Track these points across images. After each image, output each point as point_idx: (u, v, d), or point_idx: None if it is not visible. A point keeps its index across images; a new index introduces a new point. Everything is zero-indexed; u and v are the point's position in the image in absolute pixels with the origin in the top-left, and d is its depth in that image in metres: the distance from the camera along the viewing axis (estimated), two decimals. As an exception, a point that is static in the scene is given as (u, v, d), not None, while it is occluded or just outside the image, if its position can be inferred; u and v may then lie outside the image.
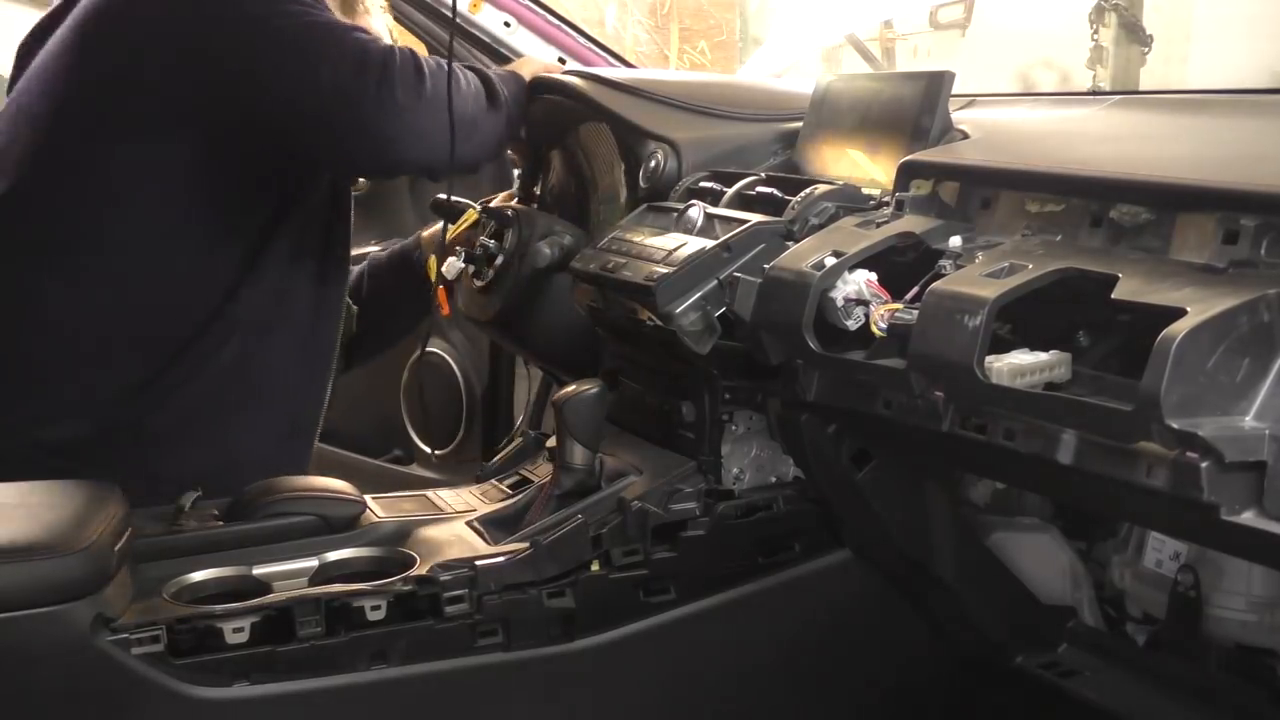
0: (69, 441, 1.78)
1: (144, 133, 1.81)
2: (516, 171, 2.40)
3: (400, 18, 2.70)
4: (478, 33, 2.51)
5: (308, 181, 1.93)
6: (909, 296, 1.31)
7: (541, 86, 2.10)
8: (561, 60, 2.53)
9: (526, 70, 2.12)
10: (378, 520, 1.64)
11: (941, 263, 1.34)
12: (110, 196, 1.81)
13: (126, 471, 1.61)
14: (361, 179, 3.00)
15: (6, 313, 1.83)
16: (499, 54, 2.55)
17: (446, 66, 1.85)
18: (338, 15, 2.00)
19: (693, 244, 1.54)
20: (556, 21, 2.55)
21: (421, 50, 2.01)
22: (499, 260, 1.98)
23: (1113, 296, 1.12)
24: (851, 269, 1.35)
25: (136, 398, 1.82)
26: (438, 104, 1.81)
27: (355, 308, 2.18)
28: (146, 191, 1.81)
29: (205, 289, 1.85)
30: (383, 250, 2.36)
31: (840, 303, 1.34)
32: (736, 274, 1.48)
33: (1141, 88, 5.13)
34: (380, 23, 2.13)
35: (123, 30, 1.84)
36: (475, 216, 2.06)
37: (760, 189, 1.67)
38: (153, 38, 1.81)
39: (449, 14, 2.19)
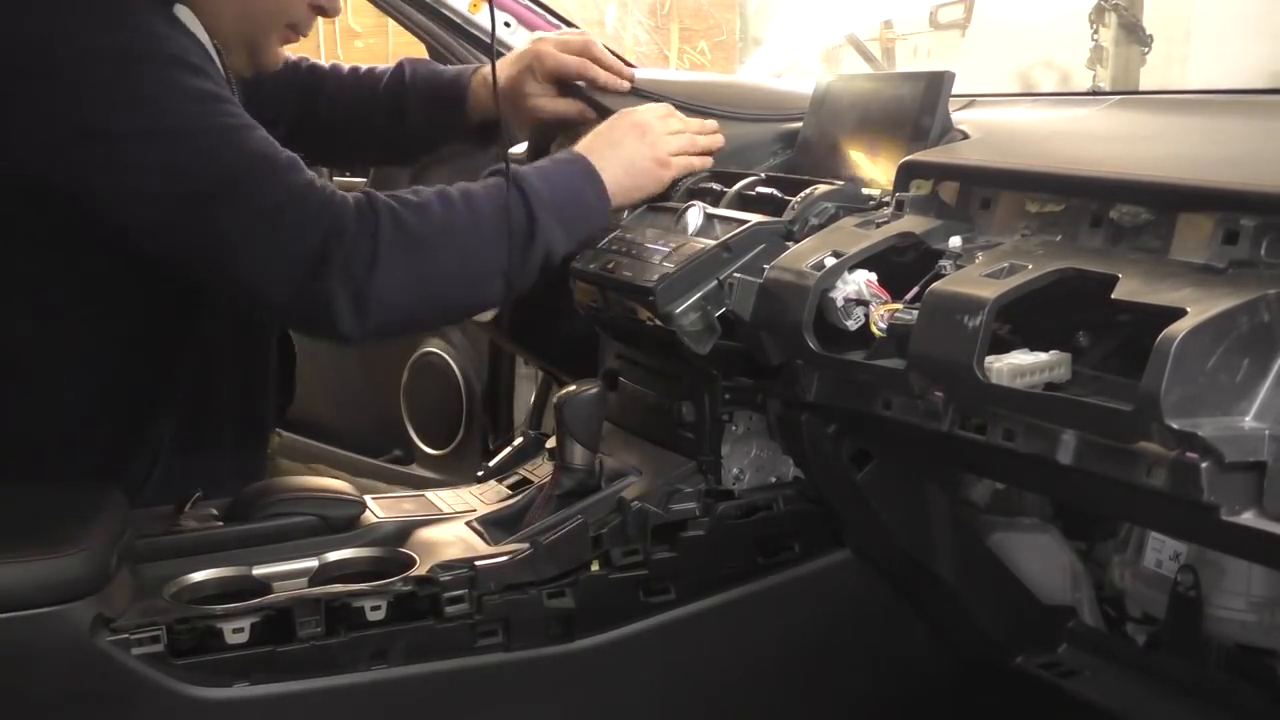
0: None
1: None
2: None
3: (401, 19, 2.70)
4: (478, 33, 2.51)
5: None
6: (909, 296, 1.32)
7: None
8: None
9: (615, 180, 1.70)
10: (378, 520, 1.64)
11: (941, 263, 1.34)
12: None
13: None
14: (361, 178, 3.01)
15: None
16: (499, 54, 2.54)
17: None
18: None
19: (693, 244, 1.54)
20: (556, 22, 2.55)
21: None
22: (499, 260, 1.97)
23: (1113, 297, 1.13)
24: (851, 269, 1.35)
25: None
26: (404, 286, 1.53)
27: None
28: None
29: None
30: (431, 69, 2.12)
31: (840, 303, 1.34)
32: (736, 274, 1.48)
33: (1141, 88, 5.13)
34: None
35: None
36: None
37: (760, 189, 1.67)
38: None
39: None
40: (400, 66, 2.11)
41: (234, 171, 1.50)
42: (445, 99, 2.05)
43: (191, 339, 1.74)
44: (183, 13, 1.63)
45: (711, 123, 1.84)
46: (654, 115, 1.78)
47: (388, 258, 1.51)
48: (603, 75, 1.94)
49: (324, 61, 2.19)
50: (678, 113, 1.83)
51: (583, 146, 1.73)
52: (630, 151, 1.73)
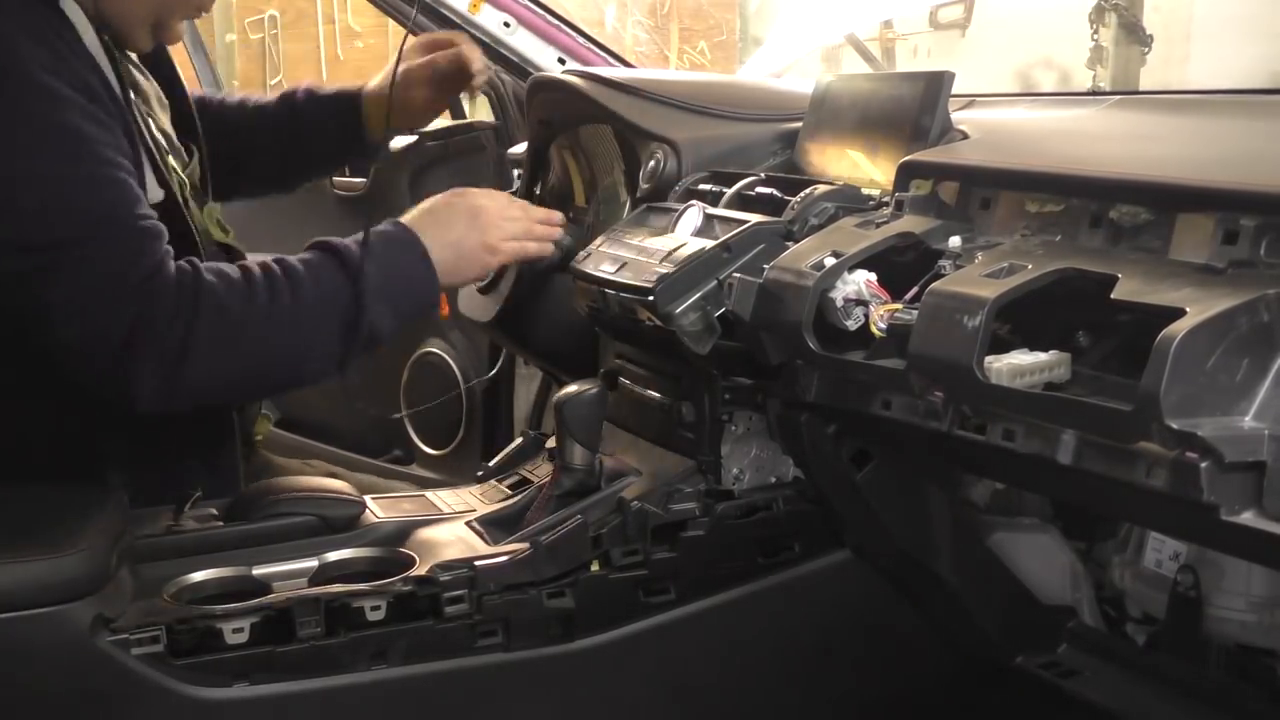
0: None
1: None
2: (517, 171, 2.40)
3: (401, 19, 2.70)
4: (477, 33, 2.51)
5: None
6: (909, 296, 1.32)
7: (542, 86, 2.10)
8: (562, 61, 2.53)
9: (443, 261, 1.68)
10: (377, 520, 1.64)
11: (941, 263, 1.34)
12: None
13: None
14: (361, 178, 3.02)
15: None
16: (499, 54, 2.55)
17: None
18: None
19: (692, 244, 1.55)
20: (556, 21, 2.55)
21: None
22: (499, 260, 1.97)
23: (1112, 296, 1.13)
24: (851, 269, 1.35)
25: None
26: (216, 372, 1.52)
27: None
28: None
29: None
30: (324, 89, 2.16)
31: (840, 303, 1.34)
32: (736, 274, 1.48)
33: (1141, 88, 5.13)
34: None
35: None
36: None
37: (760, 189, 1.67)
38: None
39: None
40: (289, 92, 2.15)
41: (60, 234, 1.47)
42: (336, 118, 2.10)
43: None
44: (68, 6, 1.62)
45: (555, 215, 1.84)
46: (493, 201, 1.77)
47: (198, 348, 1.50)
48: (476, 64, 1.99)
49: (218, 91, 2.22)
50: (520, 202, 1.84)
51: (413, 222, 1.70)
52: (460, 234, 1.71)
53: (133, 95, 1.73)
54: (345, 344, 1.59)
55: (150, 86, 1.86)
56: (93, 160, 1.52)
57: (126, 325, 1.47)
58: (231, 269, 1.58)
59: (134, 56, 1.83)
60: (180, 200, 1.74)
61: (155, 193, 1.66)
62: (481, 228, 1.72)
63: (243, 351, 1.55)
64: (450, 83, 2.04)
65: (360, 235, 1.64)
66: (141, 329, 1.48)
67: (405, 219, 1.71)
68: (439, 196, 1.77)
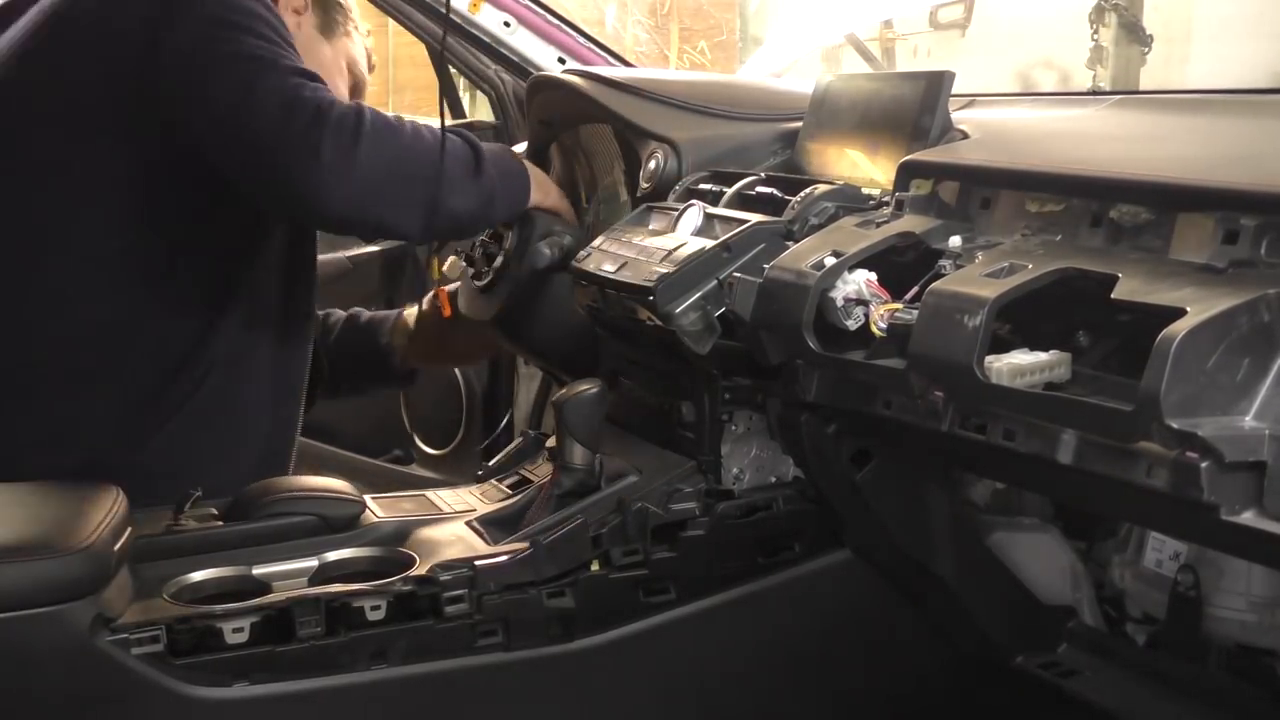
0: (52, 470, 1.66)
1: (87, 140, 1.74)
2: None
3: (401, 19, 2.70)
4: (478, 33, 2.51)
5: (260, 216, 1.86)
6: (909, 296, 1.31)
7: (541, 85, 2.10)
8: (562, 60, 2.53)
9: (537, 180, 1.95)
10: (377, 520, 1.64)
11: (941, 263, 1.34)
12: (53, 213, 1.75)
13: None
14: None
15: None
16: (499, 54, 2.55)
17: (410, 127, 1.75)
18: (315, 34, 1.97)
19: (692, 244, 1.54)
20: (556, 21, 2.55)
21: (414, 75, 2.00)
22: (499, 260, 1.98)
23: (1112, 296, 1.12)
24: (851, 269, 1.35)
25: (116, 436, 1.75)
26: (376, 164, 1.68)
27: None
28: (88, 215, 1.75)
29: (175, 330, 1.79)
30: (361, 314, 2.29)
31: (840, 303, 1.34)
32: (736, 274, 1.48)
33: (1141, 88, 5.13)
34: (360, 48, 2.07)
35: (84, 33, 1.78)
36: None
37: (760, 189, 1.67)
38: (110, 39, 1.75)
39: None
40: (327, 315, 2.25)
41: (262, 51, 1.71)
42: (363, 351, 2.23)
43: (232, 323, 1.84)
44: None
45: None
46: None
47: (367, 138, 1.68)
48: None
49: None
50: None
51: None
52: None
53: None
54: (468, 186, 1.80)
55: None
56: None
57: (309, 111, 1.66)
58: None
59: None
60: None
61: None
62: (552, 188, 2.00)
63: (397, 152, 1.72)
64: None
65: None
66: (323, 115, 1.66)
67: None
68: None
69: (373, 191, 1.70)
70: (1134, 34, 5.20)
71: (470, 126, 2.78)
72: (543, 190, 1.95)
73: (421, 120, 1.82)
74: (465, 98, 3.47)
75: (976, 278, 1.22)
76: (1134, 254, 1.22)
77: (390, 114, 1.78)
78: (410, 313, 2.21)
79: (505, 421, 2.71)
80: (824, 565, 1.65)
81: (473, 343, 2.21)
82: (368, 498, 1.69)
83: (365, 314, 2.27)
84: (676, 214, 1.66)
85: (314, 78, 1.74)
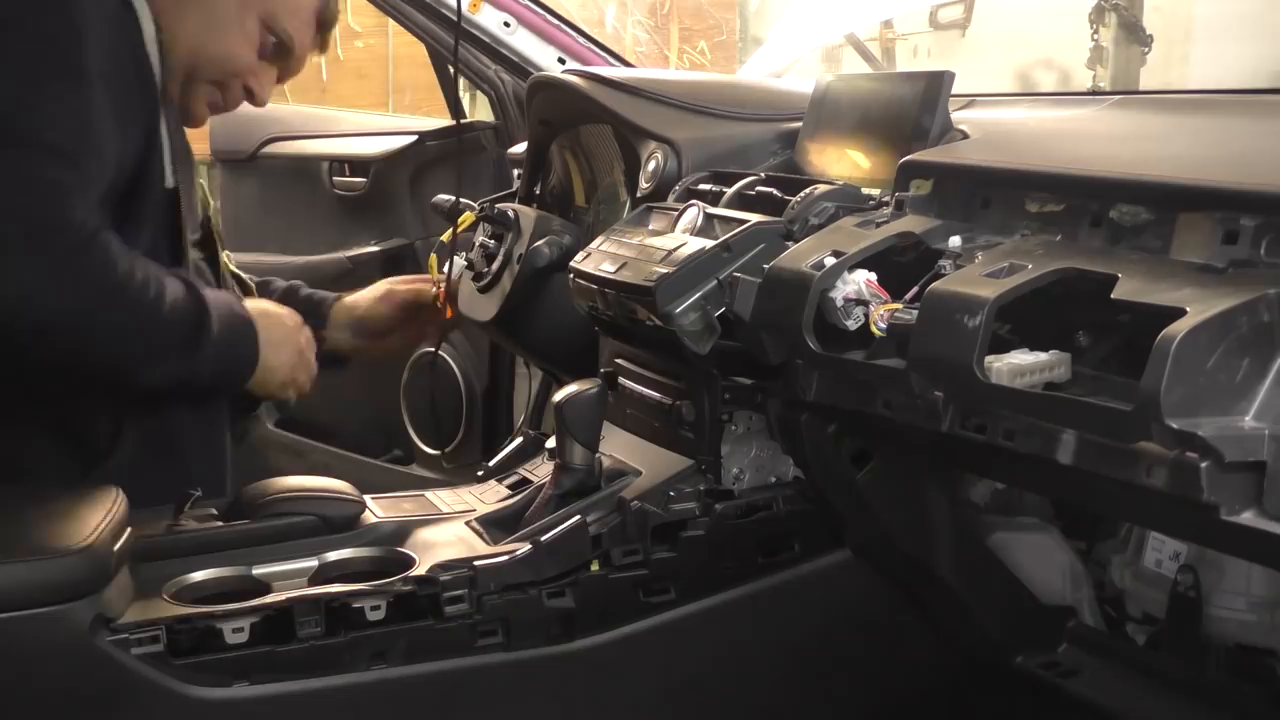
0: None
1: None
2: (517, 171, 2.40)
3: (401, 19, 2.70)
4: (478, 33, 2.51)
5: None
6: (909, 296, 1.31)
7: (541, 85, 2.10)
8: (562, 61, 2.53)
9: (271, 341, 1.77)
10: (377, 520, 1.64)
11: (941, 263, 1.34)
12: None
13: None
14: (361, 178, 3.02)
15: None
16: (499, 54, 2.55)
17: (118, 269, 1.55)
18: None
19: (692, 244, 1.54)
20: (556, 21, 2.56)
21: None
22: (498, 261, 1.98)
23: (1112, 296, 1.12)
24: (851, 269, 1.35)
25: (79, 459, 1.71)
26: (83, 294, 1.53)
27: None
28: None
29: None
30: (301, 288, 2.20)
31: (840, 303, 1.34)
32: (736, 274, 1.48)
33: (1141, 88, 5.14)
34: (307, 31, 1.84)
35: None
36: (473, 218, 2.06)
37: (760, 189, 1.67)
38: None
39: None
40: (268, 281, 2.17)
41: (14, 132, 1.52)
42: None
43: None
44: (139, 3, 1.66)
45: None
46: (306, 342, 1.87)
47: (69, 283, 1.52)
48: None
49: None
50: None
51: (259, 321, 1.77)
52: (283, 361, 1.82)
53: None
54: (173, 360, 1.64)
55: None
56: (83, 102, 1.56)
57: (23, 227, 1.48)
58: (123, 248, 1.59)
59: None
60: (206, 214, 1.84)
61: (170, 180, 1.70)
62: (296, 366, 1.83)
63: (103, 307, 1.56)
64: (415, 313, 2.12)
65: (211, 292, 1.71)
66: (36, 234, 1.49)
67: (251, 311, 1.77)
68: (282, 311, 1.85)
69: (85, 313, 1.56)
70: (1134, 34, 5.20)
71: (470, 127, 2.79)
72: (276, 351, 1.79)
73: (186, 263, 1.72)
74: (465, 98, 3.47)
75: (976, 278, 1.22)
76: (1134, 254, 1.22)
77: (129, 259, 1.59)
78: (351, 301, 2.15)
79: (505, 421, 2.71)
80: (824, 565, 1.65)
81: (413, 336, 2.19)
82: (368, 498, 1.69)
83: (304, 289, 2.19)
84: (676, 214, 1.66)
85: (66, 152, 1.54)
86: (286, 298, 2.13)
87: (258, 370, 1.76)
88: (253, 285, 2.07)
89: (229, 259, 2.02)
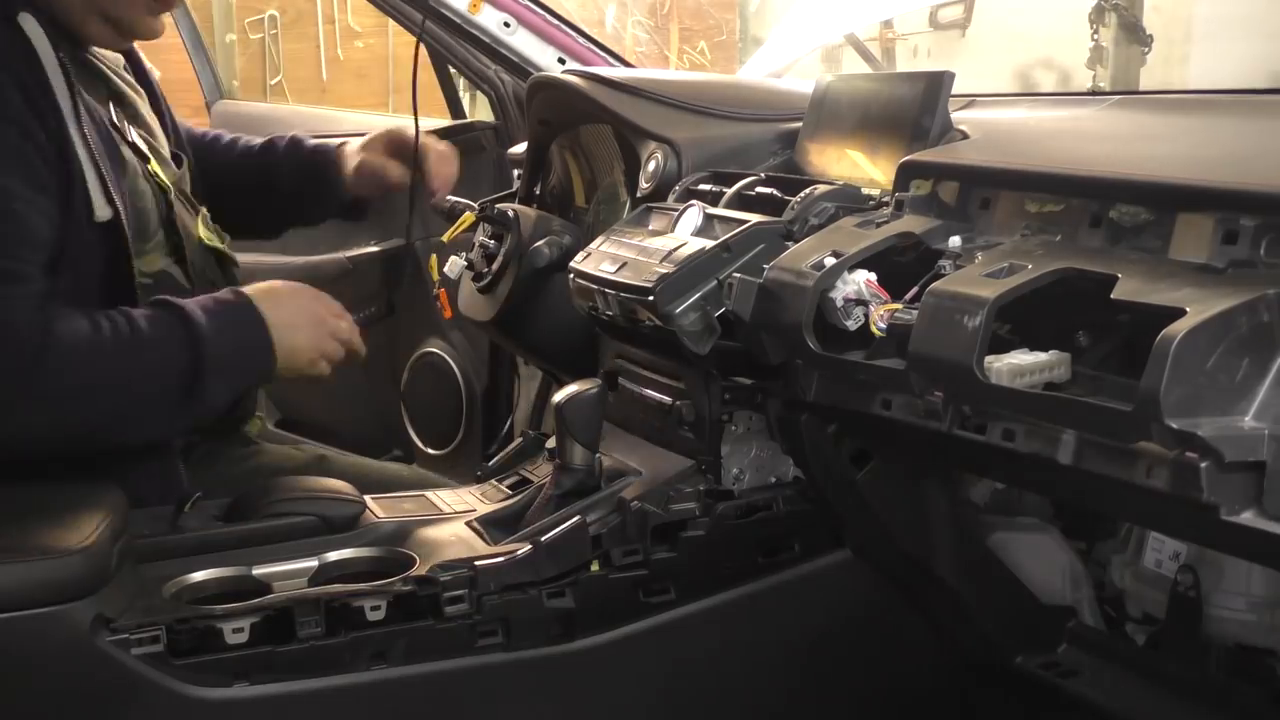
0: None
1: None
2: (517, 171, 2.40)
3: (401, 19, 2.70)
4: (478, 33, 2.50)
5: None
6: (909, 296, 1.31)
7: (541, 86, 2.10)
8: (562, 61, 2.52)
9: (284, 348, 1.70)
10: (377, 520, 1.64)
11: (941, 263, 1.34)
12: None
13: None
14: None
15: None
16: (499, 54, 2.55)
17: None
18: None
19: (692, 244, 1.54)
20: (556, 21, 2.55)
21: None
22: (498, 261, 1.98)
23: (1112, 296, 1.12)
24: (851, 269, 1.35)
25: None
26: (60, 391, 1.52)
27: None
28: None
29: None
30: (305, 141, 2.19)
31: (840, 303, 1.34)
32: (736, 274, 1.48)
33: (1141, 88, 5.13)
34: None
35: None
36: (473, 218, 2.06)
37: (760, 189, 1.67)
38: None
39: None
40: (273, 139, 2.16)
41: None
42: (313, 170, 2.12)
43: None
44: (27, 22, 1.61)
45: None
46: (326, 308, 1.79)
47: (33, 396, 1.51)
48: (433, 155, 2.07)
49: (206, 129, 2.23)
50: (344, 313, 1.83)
51: (259, 301, 1.70)
52: (302, 322, 1.74)
53: (111, 110, 1.74)
54: (179, 410, 1.61)
55: (139, 99, 1.86)
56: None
57: None
58: (82, 324, 1.56)
59: (116, 67, 1.82)
60: (165, 204, 1.77)
61: (103, 210, 1.63)
62: (318, 337, 1.75)
63: (78, 405, 1.55)
64: (397, 152, 2.10)
65: (204, 300, 1.67)
66: None
67: (254, 295, 1.71)
68: (290, 285, 1.78)
69: (62, 416, 1.55)
70: (1134, 34, 5.20)
71: (470, 127, 2.79)
72: (291, 332, 1.72)
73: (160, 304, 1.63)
74: (465, 98, 3.46)
75: (976, 278, 1.22)
76: (1133, 254, 1.22)
77: (92, 322, 1.56)
78: (349, 149, 2.14)
79: (506, 422, 2.71)
80: (824, 565, 1.65)
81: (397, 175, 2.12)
82: (368, 498, 1.69)
83: (309, 141, 2.17)
84: (676, 214, 1.66)
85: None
86: (292, 150, 2.14)
87: (278, 357, 1.69)
88: (235, 257, 1.96)
89: (206, 226, 1.90)
